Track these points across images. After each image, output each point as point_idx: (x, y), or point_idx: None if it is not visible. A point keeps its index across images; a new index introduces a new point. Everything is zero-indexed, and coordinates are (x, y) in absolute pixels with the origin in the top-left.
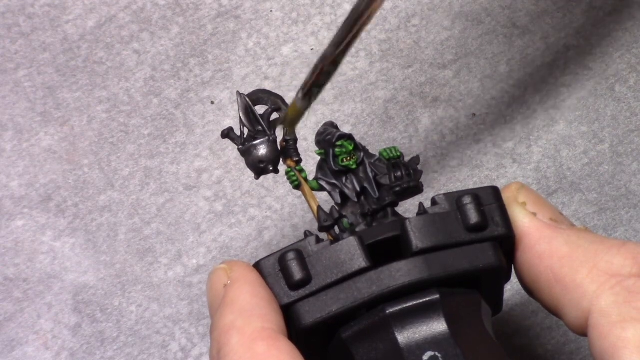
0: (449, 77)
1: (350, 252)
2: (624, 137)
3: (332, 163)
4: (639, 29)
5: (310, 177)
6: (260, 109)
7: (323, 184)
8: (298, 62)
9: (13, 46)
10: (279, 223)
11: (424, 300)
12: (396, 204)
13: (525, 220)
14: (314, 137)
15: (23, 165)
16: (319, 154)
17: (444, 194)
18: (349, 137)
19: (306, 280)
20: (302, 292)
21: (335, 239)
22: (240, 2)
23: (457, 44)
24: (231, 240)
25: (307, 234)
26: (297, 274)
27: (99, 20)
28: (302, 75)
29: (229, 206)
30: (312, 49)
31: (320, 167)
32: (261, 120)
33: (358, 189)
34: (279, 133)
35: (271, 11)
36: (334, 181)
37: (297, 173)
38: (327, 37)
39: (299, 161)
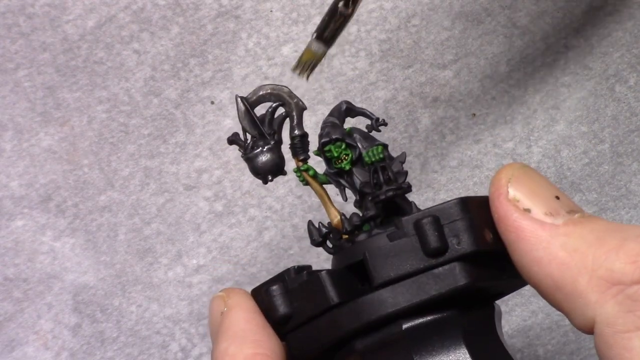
0: (449, 77)
1: (320, 288)
2: (624, 137)
3: (327, 166)
4: (639, 29)
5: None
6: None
7: (330, 180)
8: None
9: (13, 46)
10: (279, 223)
11: (390, 333)
12: (377, 217)
13: (519, 222)
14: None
15: (23, 165)
16: (316, 155)
17: (405, 218)
18: (336, 140)
19: (288, 316)
20: (286, 327)
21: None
22: (240, 2)
23: (457, 44)
24: (231, 240)
25: (291, 269)
26: (280, 309)
27: (99, 20)
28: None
29: (229, 206)
30: None
31: (324, 159)
32: (260, 126)
33: (357, 187)
34: (285, 133)
35: (271, 11)
36: (337, 178)
37: (302, 173)
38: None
39: (306, 159)
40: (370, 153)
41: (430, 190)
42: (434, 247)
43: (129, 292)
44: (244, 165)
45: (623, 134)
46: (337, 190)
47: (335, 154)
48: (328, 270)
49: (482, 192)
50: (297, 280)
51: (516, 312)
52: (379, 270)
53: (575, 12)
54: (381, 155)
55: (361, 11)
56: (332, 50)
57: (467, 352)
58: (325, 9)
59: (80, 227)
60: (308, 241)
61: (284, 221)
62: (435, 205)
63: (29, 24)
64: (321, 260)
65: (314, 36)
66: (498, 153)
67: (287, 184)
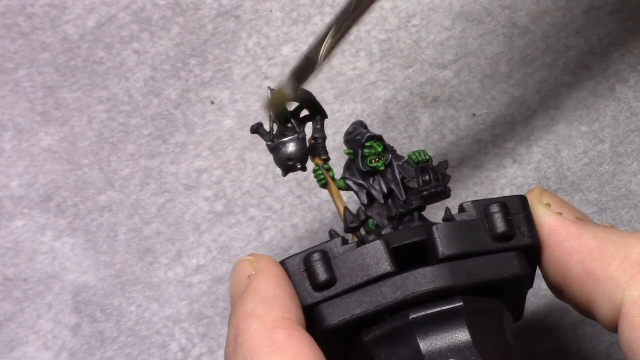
0: (449, 77)
1: (376, 256)
2: (624, 137)
3: (360, 163)
4: (639, 28)
5: (338, 176)
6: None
7: (350, 183)
8: None
9: (13, 46)
10: (279, 223)
11: (447, 307)
12: (423, 208)
13: (552, 219)
14: (342, 136)
15: (23, 165)
16: (347, 154)
17: (472, 201)
18: (379, 139)
19: (331, 282)
20: (326, 294)
21: (361, 241)
22: (240, 1)
23: (457, 44)
24: (231, 240)
25: (332, 234)
26: (322, 275)
27: (99, 20)
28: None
29: (228, 206)
30: None
31: (348, 166)
32: (291, 118)
33: (385, 190)
34: (308, 131)
35: (271, 11)
36: (361, 181)
37: (324, 172)
38: None
39: (327, 159)
40: (417, 154)
41: None
42: (503, 231)
43: (128, 292)
44: (243, 165)
45: (623, 133)
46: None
47: (379, 149)
48: (385, 238)
49: (482, 192)
50: (346, 249)
51: None
52: (446, 245)
53: (575, 12)
54: (427, 157)
55: None
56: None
57: (508, 337)
58: (325, 8)
59: (80, 227)
60: (308, 241)
61: (284, 221)
62: (496, 197)
63: (29, 23)
64: None
65: (288, 78)
66: (498, 153)
67: (287, 184)
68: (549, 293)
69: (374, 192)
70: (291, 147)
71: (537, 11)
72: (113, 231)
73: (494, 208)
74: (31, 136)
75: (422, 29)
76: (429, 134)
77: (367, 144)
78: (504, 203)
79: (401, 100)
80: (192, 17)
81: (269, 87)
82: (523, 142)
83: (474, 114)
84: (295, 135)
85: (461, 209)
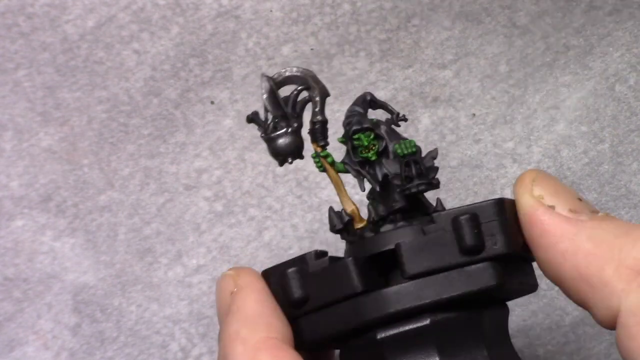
0: (449, 77)
1: (346, 275)
2: (624, 137)
3: (351, 154)
4: (639, 28)
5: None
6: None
7: (349, 169)
8: (298, 62)
9: (13, 46)
10: (279, 223)
11: (415, 326)
12: (405, 210)
13: (545, 217)
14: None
15: (23, 165)
16: (340, 142)
17: (442, 213)
18: (367, 129)
19: (304, 299)
20: (301, 310)
21: (349, 240)
22: (240, 2)
23: (457, 44)
24: (231, 240)
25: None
26: (296, 292)
27: (99, 20)
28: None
29: (228, 206)
30: (311, 49)
31: (348, 151)
32: (284, 106)
33: (380, 178)
34: (306, 116)
35: (271, 11)
36: (357, 168)
37: (321, 159)
38: (327, 36)
39: (325, 145)
40: (402, 145)
41: (430, 190)
42: (471, 245)
43: (128, 291)
44: (243, 165)
45: (623, 133)
46: (351, 180)
47: (365, 143)
48: (353, 257)
49: (482, 192)
50: (318, 264)
51: (516, 312)
52: (412, 262)
53: (575, 12)
54: (414, 149)
55: (361, 11)
56: (332, 50)
57: (485, 353)
58: (325, 8)
59: (80, 227)
60: (308, 241)
61: (284, 221)
62: (472, 204)
63: (29, 23)
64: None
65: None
66: (498, 153)
67: (287, 184)
68: (549, 293)
69: (369, 179)
70: (283, 142)
71: (537, 11)
72: (113, 231)
73: (463, 220)
74: (31, 136)
75: (422, 29)
76: (429, 134)
77: (355, 136)
78: (474, 214)
79: (401, 100)
80: (192, 17)
81: (263, 75)
82: (523, 142)
83: (474, 114)
84: (289, 128)
85: (431, 220)
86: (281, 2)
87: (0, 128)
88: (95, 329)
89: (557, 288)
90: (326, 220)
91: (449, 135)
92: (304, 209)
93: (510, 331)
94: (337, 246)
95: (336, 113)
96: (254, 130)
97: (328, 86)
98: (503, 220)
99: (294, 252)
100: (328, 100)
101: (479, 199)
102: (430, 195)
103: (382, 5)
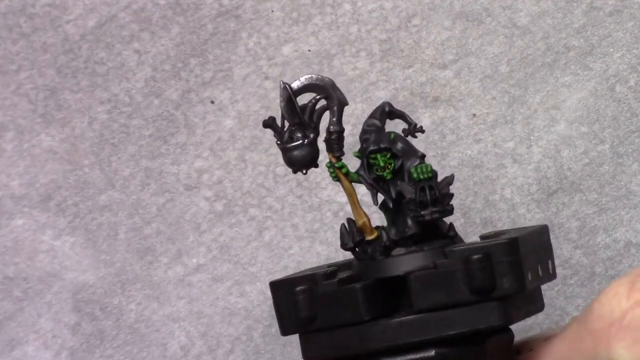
0: (449, 77)
1: (353, 301)
2: (625, 138)
3: (366, 171)
4: (639, 29)
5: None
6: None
7: (362, 181)
8: (298, 62)
9: (14, 47)
10: (279, 223)
11: (420, 356)
12: (417, 236)
13: None
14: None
15: (24, 165)
16: (356, 156)
17: (456, 249)
18: (384, 150)
19: (312, 318)
20: (306, 327)
21: (357, 258)
22: (241, 1)
23: (457, 44)
24: (231, 240)
25: (324, 268)
26: (304, 310)
27: (100, 20)
28: (302, 75)
29: (229, 206)
30: (309, 50)
31: (363, 165)
32: (301, 115)
33: (394, 195)
34: (322, 125)
35: (272, 11)
36: (372, 182)
37: (335, 170)
38: (327, 36)
39: (340, 156)
40: (419, 170)
41: None
42: (482, 285)
43: (128, 290)
44: (244, 165)
45: (623, 134)
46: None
47: (382, 164)
48: (363, 285)
49: (482, 192)
50: (327, 287)
51: None
52: (422, 296)
53: (575, 12)
54: (430, 174)
55: (361, 11)
56: (333, 50)
57: None
58: (326, 8)
59: (80, 226)
60: (308, 241)
61: (284, 221)
62: (486, 241)
63: (30, 24)
64: (321, 259)
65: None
66: (498, 153)
67: (287, 184)
68: (549, 293)
69: (383, 195)
70: (298, 153)
71: (538, 11)
72: (113, 230)
73: (475, 259)
74: (32, 137)
75: (422, 29)
76: (429, 134)
77: (372, 156)
78: (487, 253)
79: (402, 100)
80: (193, 16)
81: (282, 82)
82: (523, 142)
83: (474, 114)
84: (310, 137)
85: (444, 255)
86: (282, 2)
87: (2, 129)
88: (95, 328)
89: (557, 288)
90: (327, 220)
91: (449, 135)
92: (305, 209)
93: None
94: (337, 246)
95: None
96: (254, 131)
97: None
98: (515, 260)
99: (294, 252)
100: None
101: (479, 199)
102: None
103: (382, 5)
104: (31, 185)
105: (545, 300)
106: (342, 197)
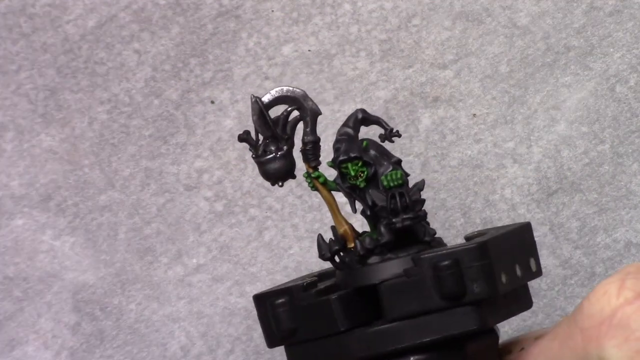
0: (449, 77)
1: (329, 312)
2: (625, 138)
3: (340, 181)
4: (639, 29)
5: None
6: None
7: (340, 189)
8: (298, 62)
9: (14, 47)
10: (279, 223)
11: None
12: (390, 244)
13: None
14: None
15: (24, 165)
16: (330, 166)
17: (424, 256)
18: (354, 159)
19: (293, 330)
20: (289, 339)
21: (337, 267)
22: (241, 1)
23: (457, 44)
24: (231, 240)
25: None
26: (285, 323)
27: (100, 19)
28: (302, 75)
29: (229, 206)
30: (309, 50)
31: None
32: (274, 128)
33: (369, 203)
34: (297, 136)
35: (272, 11)
36: (348, 190)
37: (312, 180)
38: (327, 36)
39: (317, 166)
40: (389, 177)
41: (430, 190)
42: (452, 291)
43: (128, 290)
44: (244, 165)
45: (623, 134)
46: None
47: (352, 173)
48: (338, 295)
49: (482, 192)
50: (305, 299)
51: None
52: (393, 305)
53: (575, 12)
54: (400, 182)
55: (361, 11)
56: (333, 50)
57: None
58: (326, 8)
59: (80, 226)
60: (308, 241)
61: (284, 221)
62: (455, 246)
63: (30, 24)
64: (320, 259)
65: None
66: (498, 153)
67: (287, 184)
68: (549, 293)
69: (359, 203)
70: (272, 167)
71: (538, 11)
72: (113, 230)
73: (444, 266)
74: (32, 137)
75: (422, 29)
76: (429, 134)
77: (342, 165)
78: (456, 260)
79: (402, 100)
80: (193, 16)
81: (252, 96)
82: (523, 142)
83: (475, 114)
84: (283, 149)
85: (415, 261)
86: (282, 2)
87: (2, 129)
88: (95, 328)
89: (557, 288)
90: (327, 220)
91: (449, 135)
92: (304, 209)
93: (510, 331)
94: None
95: (336, 113)
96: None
97: (328, 86)
98: (485, 264)
99: (294, 252)
100: (329, 100)
101: (479, 199)
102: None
103: (382, 5)
104: (31, 185)
105: (545, 301)
106: (342, 197)
